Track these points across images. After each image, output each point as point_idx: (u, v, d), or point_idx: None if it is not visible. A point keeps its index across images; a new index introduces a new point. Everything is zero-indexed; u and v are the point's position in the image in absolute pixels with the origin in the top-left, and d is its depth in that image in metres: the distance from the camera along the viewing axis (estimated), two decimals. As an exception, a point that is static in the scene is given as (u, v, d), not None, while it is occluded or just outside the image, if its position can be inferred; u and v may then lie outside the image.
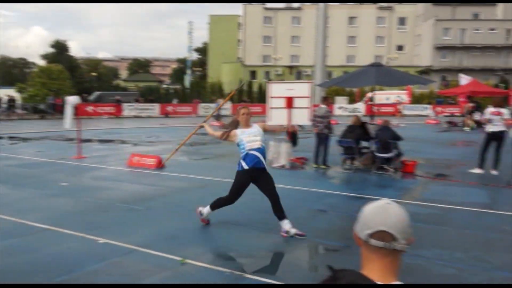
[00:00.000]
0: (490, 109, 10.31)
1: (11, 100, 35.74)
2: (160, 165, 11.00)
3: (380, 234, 1.36)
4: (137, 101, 40.13)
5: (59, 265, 4.66)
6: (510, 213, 6.85)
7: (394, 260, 1.38)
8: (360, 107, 38.98)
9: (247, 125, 5.94)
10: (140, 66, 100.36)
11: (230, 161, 12.57)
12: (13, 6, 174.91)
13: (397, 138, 10.24)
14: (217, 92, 46.02)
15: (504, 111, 10.10)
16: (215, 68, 65.04)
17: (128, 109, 36.65)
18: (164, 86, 60.20)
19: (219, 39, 68.02)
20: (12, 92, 40.22)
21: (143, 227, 6.05)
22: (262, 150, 5.73)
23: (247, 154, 5.66)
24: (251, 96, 46.12)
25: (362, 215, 1.43)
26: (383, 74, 11.06)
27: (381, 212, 1.39)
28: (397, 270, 1.39)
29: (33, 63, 76.63)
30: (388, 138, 10.12)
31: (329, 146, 11.09)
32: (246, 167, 5.66)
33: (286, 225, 5.61)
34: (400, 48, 62.96)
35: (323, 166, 11.04)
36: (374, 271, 1.37)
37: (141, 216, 6.67)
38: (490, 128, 10.14)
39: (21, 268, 4.61)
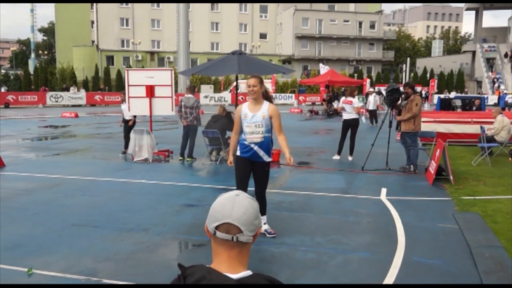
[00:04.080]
0: (343, 98, 11.53)
1: None
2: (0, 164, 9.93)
3: (226, 227, 1.40)
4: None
5: None
6: (364, 196, 7.68)
7: (241, 251, 1.43)
8: (226, 96, 39.85)
9: (254, 103, 5.28)
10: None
11: (85, 157, 11.92)
12: None
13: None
14: (68, 78, 42.81)
15: (354, 100, 11.25)
16: (64, 52, 60.27)
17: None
18: (3, 71, 54.14)
19: (68, 19, 63.04)
20: None
21: (-22, 238, 5.42)
22: (262, 144, 5.29)
23: (243, 143, 5.33)
24: (109, 83, 44.02)
25: (211, 208, 1.46)
26: (245, 63, 11.40)
27: (228, 205, 1.43)
28: (246, 261, 1.45)
29: None
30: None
31: (195, 137, 11.14)
32: (239, 153, 5.40)
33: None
34: (263, 36, 65.64)
35: (189, 159, 11.07)
36: (222, 263, 1.41)
37: (-24, 224, 5.95)
38: (344, 116, 11.32)
39: None
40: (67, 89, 39.01)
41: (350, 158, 11.20)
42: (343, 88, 30.64)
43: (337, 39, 61.98)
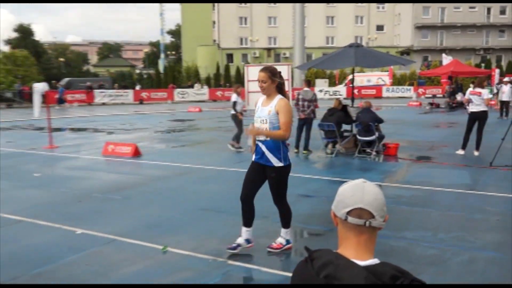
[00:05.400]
0: (470, 89, 10.63)
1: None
2: (136, 153, 10.96)
3: (358, 212, 1.41)
4: (101, 86, 39.67)
5: (38, 256, 4.67)
6: (492, 193, 7.11)
7: (370, 237, 1.43)
8: (341, 89, 39.24)
9: (267, 98, 4.58)
10: (110, 51, 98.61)
11: (209, 148, 12.63)
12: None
13: (379, 120, 10.39)
14: (193, 76, 45.61)
15: (483, 91, 10.35)
16: (190, 51, 64.19)
17: (100, 96, 36.12)
18: (138, 71, 59.34)
19: (193, 20, 66.98)
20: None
21: (121, 217, 6.07)
22: (268, 144, 4.50)
23: (256, 144, 4.66)
24: (229, 80, 45.92)
25: (339, 194, 1.47)
26: (362, 55, 11.16)
27: (358, 190, 1.44)
28: (373, 248, 1.44)
29: (-4, 49, 74.48)
30: (370, 121, 10.25)
31: (310, 130, 11.15)
32: (253, 158, 4.75)
33: (246, 232, 4.78)
34: (380, 28, 63.33)
35: (305, 151, 11.12)
36: (350, 249, 1.41)
37: (119, 205, 6.68)
38: (471, 108, 10.46)
39: (-3, 261, 4.61)
40: (192, 86, 41.56)
41: (476, 153, 10.39)
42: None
43: (461, 27, 57.49)
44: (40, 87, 13.43)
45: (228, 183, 8.11)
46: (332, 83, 44.14)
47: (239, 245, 4.67)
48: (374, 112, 10.64)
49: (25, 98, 33.15)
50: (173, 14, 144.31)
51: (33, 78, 36.39)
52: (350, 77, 39.04)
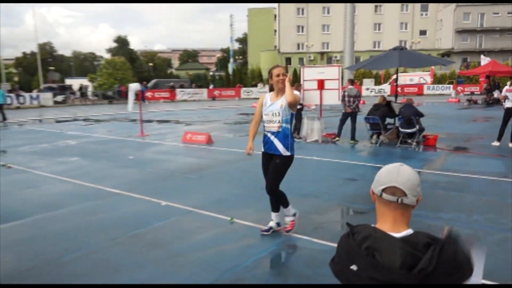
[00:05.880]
0: (506, 87, 9.95)
1: (82, 88, 37.37)
2: (209, 141, 11.24)
3: (392, 189, 1.38)
4: (181, 86, 40.80)
5: (132, 222, 4.96)
6: (525, 181, 6.62)
7: (403, 213, 1.39)
8: (385, 88, 37.87)
9: (276, 93, 4.25)
10: (189, 56, 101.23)
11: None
12: (83, 6, 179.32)
13: (420, 114, 9.97)
14: (256, 77, 45.95)
15: None
16: (254, 56, 64.64)
17: (181, 94, 37.28)
18: (211, 73, 60.54)
19: (257, 29, 67.35)
20: (85, 81, 41.87)
21: (197, 192, 6.28)
22: (279, 135, 4.19)
23: (264, 134, 4.36)
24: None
25: (377, 174, 1.45)
26: (406, 57, 10.73)
27: (394, 172, 1.41)
28: (407, 222, 1.41)
29: (101, 56, 78.88)
30: (412, 115, 9.88)
31: (356, 123, 11.01)
32: (262, 149, 4.43)
33: (275, 217, 4.51)
34: (422, 32, 60.15)
35: (352, 141, 10.95)
36: (386, 223, 1.39)
37: (195, 183, 6.91)
38: (507, 104, 9.79)
39: (103, 223, 4.94)
40: (256, 86, 41.80)
41: (510, 145, 9.68)
42: None
43: (500, 31, 53.27)
44: (133, 87, 14.07)
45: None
46: (377, 82, 42.70)
47: (271, 228, 4.47)
48: (415, 107, 10.22)
49: (122, 96, 34.92)
50: (241, 24, 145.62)
51: (128, 80, 38.21)
52: (394, 76, 37.54)
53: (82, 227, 4.83)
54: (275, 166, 4.21)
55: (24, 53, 72.70)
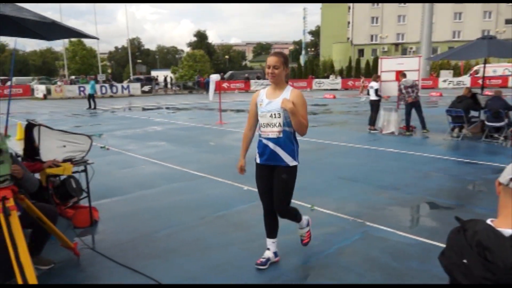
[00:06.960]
0: None
1: (166, 79, 39.52)
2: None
3: None
4: (258, 78, 41.13)
5: (217, 203, 5.10)
6: None
7: None
8: (465, 79, 34.96)
9: (274, 88, 3.32)
10: (263, 49, 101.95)
11: (343, 128, 12.35)
12: (168, 5, 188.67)
13: (510, 107, 9.02)
14: (328, 69, 44.98)
15: None
16: (326, 48, 63.25)
17: (255, 84, 37.69)
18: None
19: (330, 22, 65.68)
20: (168, 73, 44.18)
21: (276, 179, 6.27)
22: (281, 141, 3.24)
23: (259, 140, 3.39)
24: (359, 72, 44.12)
25: (507, 167, 1.28)
26: (495, 46, 9.72)
27: None
28: None
29: (182, 50, 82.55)
30: (500, 108, 8.97)
31: (422, 111, 10.57)
32: (257, 160, 3.44)
33: (272, 245, 3.53)
34: (509, 22, 54.31)
35: (424, 131, 10.54)
36: (507, 217, 1.22)
37: (274, 170, 6.90)
38: None
39: (189, 204, 5.14)
40: (327, 77, 40.93)
41: None
42: None
43: None
44: (214, 77, 14.48)
45: (361, 157, 7.83)
46: (456, 74, 39.57)
47: (269, 259, 3.46)
48: (504, 99, 9.26)
49: (201, 86, 36.29)
50: (314, 17, 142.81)
51: (206, 71, 39.62)
52: (476, 67, 34.56)
53: (172, 205, 5.06)
54: (283, 183, 3.27)
55: (116, 47, 78.52)
